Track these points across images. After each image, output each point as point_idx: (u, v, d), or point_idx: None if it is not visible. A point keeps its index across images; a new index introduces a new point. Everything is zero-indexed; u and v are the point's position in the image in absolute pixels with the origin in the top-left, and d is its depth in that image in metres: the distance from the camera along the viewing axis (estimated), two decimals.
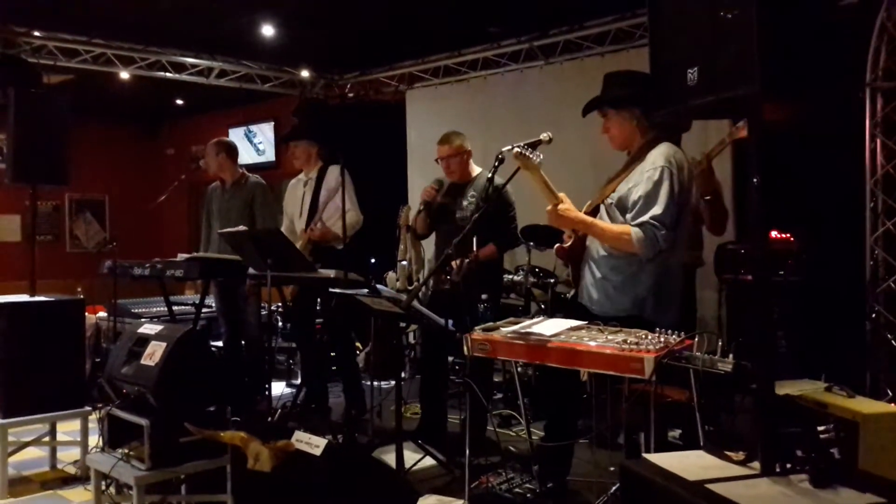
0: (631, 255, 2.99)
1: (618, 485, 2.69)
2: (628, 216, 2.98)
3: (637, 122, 3.10)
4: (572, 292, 3.53)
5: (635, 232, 2.91)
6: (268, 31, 6.28)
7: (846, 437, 2.69)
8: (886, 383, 4.19)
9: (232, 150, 5.15)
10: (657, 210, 2.91)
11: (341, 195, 3.94)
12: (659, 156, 3.00)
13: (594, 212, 3.18)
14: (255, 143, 9.30)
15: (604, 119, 3.19)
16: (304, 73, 7.65)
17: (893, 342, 4.21)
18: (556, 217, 3.05)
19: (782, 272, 4.03)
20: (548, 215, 3.08)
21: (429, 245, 4.61)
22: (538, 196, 3.10)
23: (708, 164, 3.57)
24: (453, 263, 3.70)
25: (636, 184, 3.00)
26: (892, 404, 3.58)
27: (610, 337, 2.60)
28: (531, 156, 2.98)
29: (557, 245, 3.34)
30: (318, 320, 5.21)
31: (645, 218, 2.91)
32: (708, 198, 3.67)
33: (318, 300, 5.00)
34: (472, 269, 3.68)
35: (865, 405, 2.84)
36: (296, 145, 4.87)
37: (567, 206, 3.03)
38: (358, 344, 5.15)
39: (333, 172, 4.32)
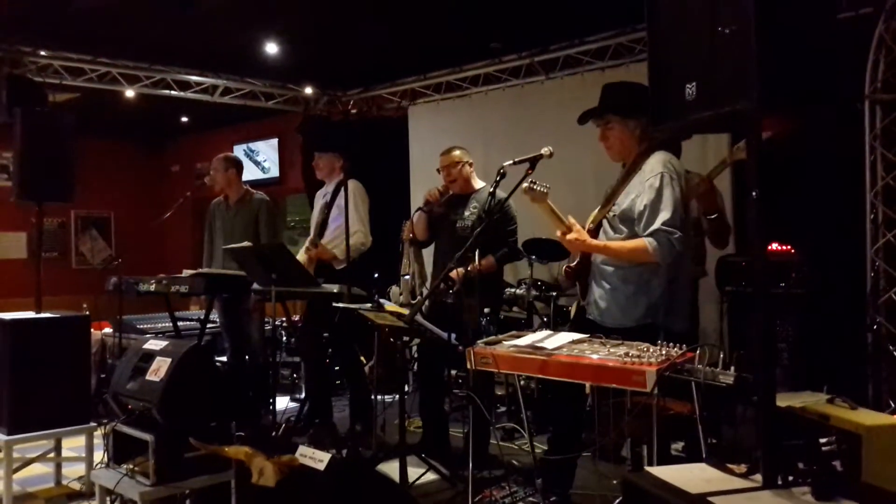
0: (641, 265, 3.01)
1: (620, 498, 2.69)
2: (638, 228, 3.00)
3: (640, 132, 3.12)
4: (574, 305, 3.55)
5: (650, 242, 2.93)
6: (271, 48, 6.33)
7: (849, 449, 2.67)
8: (889, 395, 4.17)
9: (240, 166, 5.21)
10: (666, 215, 2.93)
11: (345, 217, 3.94)
12: (657, 163, 3.02)
13: (597, 227, 3.20)
14: (257, 161, 9.35)
15: (604, 127, 3.19)
16: (308, 90, 7.71)
17: (895, 353, 4.21)
18: (568, 244, 3.07)
19: (783, 284, 4.04)
20: (560, 241, 3.10)
21: (428, 257, 4.63)
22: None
23: (710, 184, 3.61)
24: (454, 274, 3.71)
25: (638, 194, 3.02)
26: (895, 416, 3.57)
27: (612, 350, 2.61)
28: (539, 188, 2.99)
29: (565, 268, 3.38)
30: (325, 334, 5.22)
31: (656, 225, 2.93)
32: (712, 217, 3.70)
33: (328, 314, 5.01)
34: (472, 276, 3.69)
35: (868, 417, 2.84)
36: (320, 156, 4.91)
37: (576, 234, 3.03)
38: (361, 358, 5.16)
39: (350, 187, 4.34)
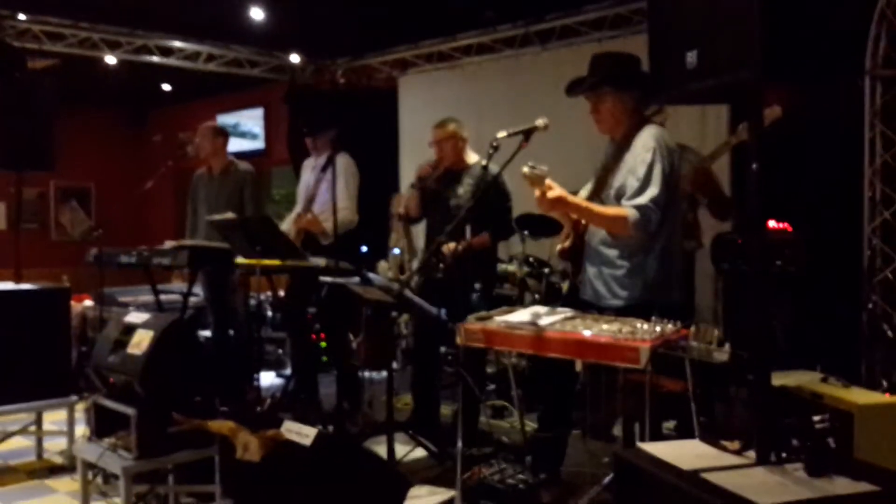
0: (634, 244, 2.97)
1: (612, 475, 2.67)
2: (624, 199, 2.95)
3: (633, 103, 3.06)
4: (567, 283, 3.52)
5: (632, 213, 2.88)
6: (257, 14, 6.19)
7: (841, 427, 2.69)
8: (882, 374, 4.19)
9: (227, 136, 5.13)
10: (654, 191, 2.89)
11: (332, 192, 3.87)
12: (648, 138, 2.98)
13: None
14: (241, 131, 9.20)
15: (595, 100, 3.10)
16: (294, 58, 7.56)
17: (890, 333, 4.21)
18: (548, 204, 2.96)
19: (779, 262, 4.02)
20: (538, 203, 2.99)
21: (420, 233, 4.57)
22: None
23: (707, 174, 3.61)
24: (445, 249, 3.65)
25: (630, 169, 2.97)
26: (888, 395, 3.57)
27: (605, 326, 2.58)
28: (538, 172, 2.83)
29: (559, 249, 3.34)
30: (310, 310, 5.17)
31: (643, 200, 2.89)
32: (707, 200, 3.70)
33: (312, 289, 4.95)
34: (464, 253, 3.64)
35: (861, 396, 2.86)
36: (318, 138, 4.82)
37: (558, 192, 2.89)
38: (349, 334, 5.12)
39: (341, 161, 4.24)
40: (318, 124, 4.85)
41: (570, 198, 2.96)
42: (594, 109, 3.12)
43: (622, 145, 3.06)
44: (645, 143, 2.96)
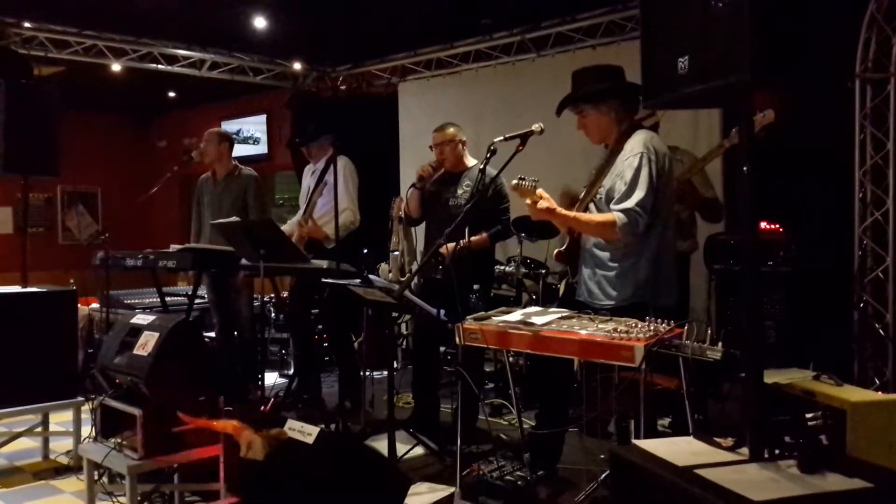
0: (626, 246, 3.02)
1: (608, 472, 2.72)
2: (612, 203, 3.02)
3: (615, 114, 3.13)
4: (563, 283, 3.58)
5: (619, 217, 2.95)
6: (260, 23, 6.26)
7: (834, 424, 2.71)
8: (874, 372, 4.23)
9: (232, 142, 5.18)
10: (640, 195, 2.95)
11: (334, 196, 3.91)
12: (637, 143, 3.04)
13: (584, 211, 3.20)
14: (243, 137, 9.26)
15: (579, 116, 3.21)
16: (296, 66, 7.64)
17: (881, 331, 4.25)
18: (538, 212, 3.06)
19: (771, 262, 4.07)
20: (529, 212, 3.08)
21: (420, 236, 4.62)
22: None
23: (688, 185, 3.68)
24: (444, 249, 3.70)
25: (618, 173, 3.04)
26: (879, 392, 3.62)
27: (600, 325, 2.63)
28: (527, 184, 2.95)
29: (556, 251, 3.42)
30: (313, 311, 5.23)
31: (629, 204, 2.95)
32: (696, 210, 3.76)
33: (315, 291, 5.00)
34: (463, 253, 3.69)
35: (853, 393, 2.88)
36: (312, 144, 4.86)
37: (546, 203, 3.00)
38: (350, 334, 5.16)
39: (340, 164, 4.27)
40: (308, 133, 4.91)
41: (559, 210, 3.03)
42: (580, 125, 3.23)
43: (615, 150, 3.14)
44: (633, 148, 3.03)
